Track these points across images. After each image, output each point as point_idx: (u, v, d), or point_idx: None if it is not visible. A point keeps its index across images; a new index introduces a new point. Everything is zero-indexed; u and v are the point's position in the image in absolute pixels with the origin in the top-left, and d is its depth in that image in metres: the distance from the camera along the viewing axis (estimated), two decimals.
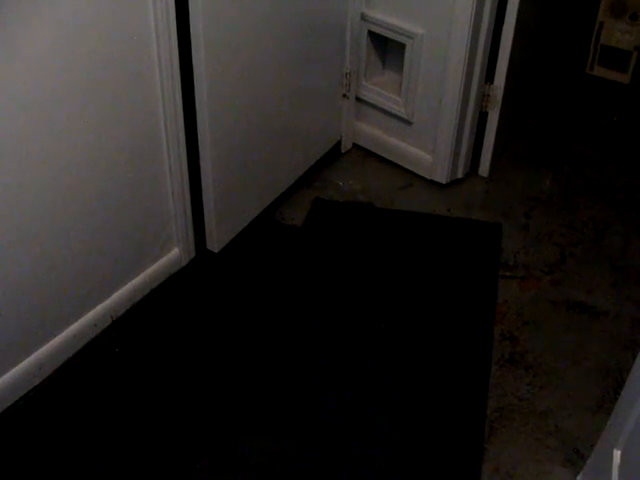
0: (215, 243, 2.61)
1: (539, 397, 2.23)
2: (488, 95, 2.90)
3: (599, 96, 3.65)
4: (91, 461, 2.04)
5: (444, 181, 3.00)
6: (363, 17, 2.87)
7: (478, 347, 2.37)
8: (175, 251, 2.55)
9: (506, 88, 2.87)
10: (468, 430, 2.14)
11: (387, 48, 3.03)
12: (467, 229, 2.83)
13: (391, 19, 2.82)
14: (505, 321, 2.46)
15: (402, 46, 2.84)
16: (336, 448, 2.08)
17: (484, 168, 3.06)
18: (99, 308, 2.34)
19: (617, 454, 1.70)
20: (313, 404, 2.20)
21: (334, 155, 3.11)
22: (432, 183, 3.01)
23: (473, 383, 2.26)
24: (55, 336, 2.22)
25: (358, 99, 3.08)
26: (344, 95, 3.00)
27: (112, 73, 2.03)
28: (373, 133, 3.12)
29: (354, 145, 3.19)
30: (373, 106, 3.06)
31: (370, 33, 2.92)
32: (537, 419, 2.17)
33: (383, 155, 3.12)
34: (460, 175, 3.04)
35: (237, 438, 2.11)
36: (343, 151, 3.15)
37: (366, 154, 3.16)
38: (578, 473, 2.01)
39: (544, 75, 3.58)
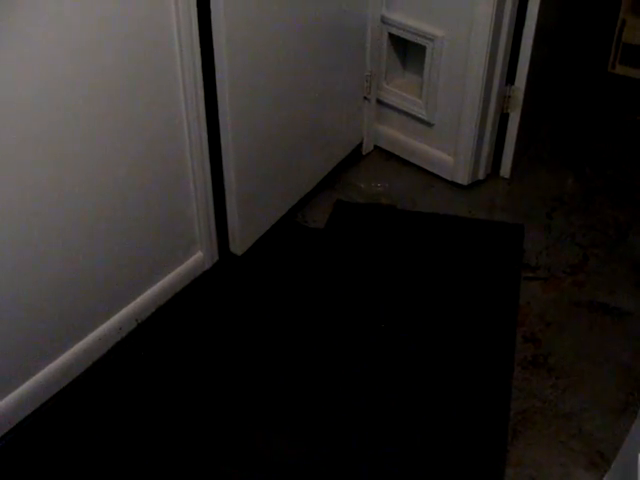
0: (238, 246, 2.63)
1: (562, 399, 2.23)
2: (509, 96, 2.90)
3: (621, 95, 3.63)
4: (115, 462, 2.07)
5: (465, 182, 3.00)
6: (383, 20, 2.87)
7: (500, 349, 2.37)
8: (199, 254, 2.57)
9: (527, 89, 2.87)
10: (491, 433, 2.14)
11: (407, 50, 3.03)
12: (489, 230, 2.83)
13: (411, 22, 2.82)
14: (527, 323, 2.46)
15: (422, 48, 2.85)
16: (357, 450, 2.10)
17: (505, 169, 3.06)
18: (124, 312, 2.36)
19: None
20: (336, 406, 2.21)
21: (355, 157, 3.12)
22: (453, 185, 3.02)
23: (496, 385, 2.27)
24: (81, 339, 2.25)
25: (379, 101, 3.08)
26: (365, 97, 3.01)
27: (136, 77, 2.05)
28: (394, 135, 3.13)
29: (375, 147, 3.19)
30: (394, 108, 3.07)
31: (390, 36, 2.92)
32: (560, 421, 2.17)
33: (404, 157, 3.13)
34: (481, 176, 3.04)
35: (259, 439, 2.13)
36: (364, 153, 3.16)
37: (387, 156, 3.17)
38: (602, 476, 2.01)
39: (565, 75, 3.57)
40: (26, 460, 2.07)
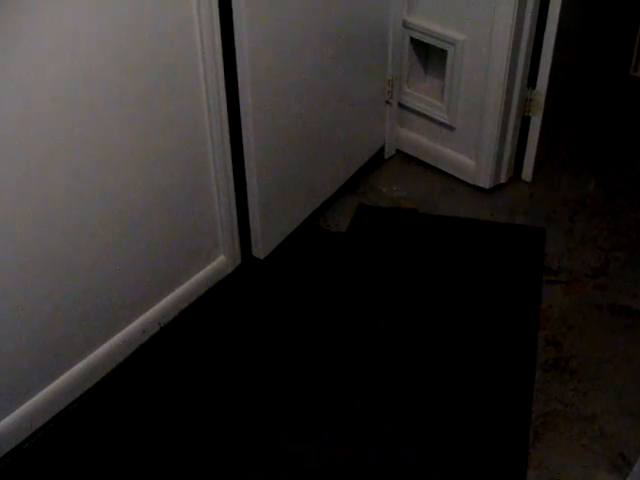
0: (261, 250, 2.64)
1: (584, 402, 2.23)
2: (530, 100, 2.90)
3: None
4: (137, 463, 2.09)
5: (487, 186, 3.00)
6: (405, 24, 2.88)
7: (522, 352, 2.37)
8: (221, 258, 2.58)
9: (548, 92, 2.87)
10: (513, 435, 2.14)
11: (429, 54, 3.04)
12: (511, 234, 2.83)
13: (432, 26, 2.83)
14: (549, 326, 2.46)
15: (444, 52, 2.86)
16: (378, 453, 2.11)
17: (527, 172, 3.06)
18: (147, 315, 2.38)
19: None
20: (359, 410, 2.22)
21: (377, 161, 3.13)
22: (475, 188, 3.02)
23: (517, 388, 2.27)
24: (105, 342, 2.27)
25: (401, 105, 3.09)
26: (387, 102, 3.02)
27: (160, 81, 2.08)
28: (416, 139, 3.14)
29: (397, 151, 3.20)
30: (416, 112, 3.08)
31: (412, 40, 2.93)
32: (582, 424, 2.17)
33: (426, 161, 3.14)
34: (503, 180, 3.04)
35: (282, 442, 2.14)
36: (386, 157, 3.17)
37: (409, 160, 3.17)
38: (624, 479, 2.01)
39: (587, 78, 3.57)
40: (50, 462, 2.10)
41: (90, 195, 2.01)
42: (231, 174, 2.45)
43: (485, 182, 2.99)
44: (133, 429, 2.17)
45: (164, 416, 2.21)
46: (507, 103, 2.82)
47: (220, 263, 2.58)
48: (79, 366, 2.21)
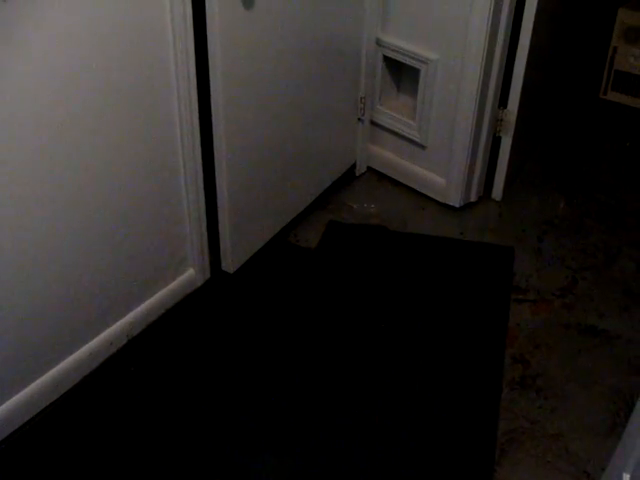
0: (230, 264, 2.64)
1: (550, 420, 2.24)
2: (501, 119, 2.92)
3: (613, 121, 3.67)
4: (103, 477, 2.07)
5: (457, 204, 3.02)
6: (378, 42, 2.90)
7: (489, 370, 2.38)
8: (190, 272, 2.58)
9: (519, 113, 2.90)
10: (478, 452, 2.15)
11: (402, 73, 3.06)
12: (480, 252, 2.84)
13: (406, 44, 2.85)
14: (516, 344, 2.47)
15: (417, 71, 2.88)
16: (347, 468, 2.10)
17: (497, 192, 3.08)
18: (115, 327, 2.36)
19: (626, 477, 1.70)
20: (326, 424, 2.21)
21: (348, 178, 3.14)
22: (445, 206, 3.04)
23: (484, 406, 2.27)
24: (71, 354, 2.25)
25: (373, 123, 3.11)
26: (359, 119, 3.04)
27: (132, 99, 2.08)
28: (387, 156, 3.15)
29: (368, 168, 3.21)
30: (387, 130, 3.09)
31: (385, 58, 2.95)
32: (548, 442, 2.18)
33: (397, 178, 3.15)
34: (473, 199, 3.06)
35: (250, 457, 2.13)
36: (357, 174, 3.18)
37: (380, 177, 3.19)
38: None
39: (558, 100, 3.60)
40: (12, 476, 2.07)
41: (58, 208, 2.00)
42: (202, 188, 2.45)
43: (455, 200, 3.01)
44: (98, 442, 2.15)
45: (130, 429, 2.19)
46: (478, 123, 2.84)
47: (189, 276, 2.57)
48: (44, 378, 2.19)
